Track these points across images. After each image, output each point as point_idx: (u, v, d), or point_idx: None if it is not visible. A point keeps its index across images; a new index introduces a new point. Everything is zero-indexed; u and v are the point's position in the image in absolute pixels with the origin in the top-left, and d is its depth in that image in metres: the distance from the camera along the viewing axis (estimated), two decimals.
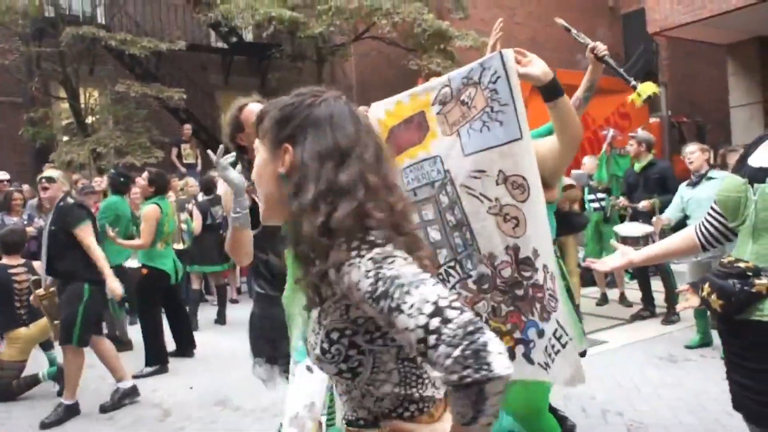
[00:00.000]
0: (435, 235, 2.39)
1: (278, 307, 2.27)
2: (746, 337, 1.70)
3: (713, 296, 1.73)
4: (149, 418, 4.21)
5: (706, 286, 1.79)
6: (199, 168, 11.23)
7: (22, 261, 4.90)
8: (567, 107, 2.07)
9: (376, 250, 1.11)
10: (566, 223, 4.84)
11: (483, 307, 2.33)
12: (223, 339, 6.19)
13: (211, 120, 14.34)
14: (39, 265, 4.84)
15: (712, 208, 1.91)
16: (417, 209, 2.42)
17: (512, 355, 2.26)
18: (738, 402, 1.79)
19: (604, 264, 2.25)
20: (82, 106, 12.13)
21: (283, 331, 2.27)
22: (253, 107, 2.59)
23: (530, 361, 2.24)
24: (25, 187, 8.48)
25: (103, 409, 4.33)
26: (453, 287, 2.37)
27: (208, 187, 7.65)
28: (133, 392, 4.48)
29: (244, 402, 4.17)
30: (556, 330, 2.13)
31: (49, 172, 4.59)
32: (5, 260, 4.84)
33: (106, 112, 12.15)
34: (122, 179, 6.32)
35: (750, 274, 1.66)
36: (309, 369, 2.60)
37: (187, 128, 11.66)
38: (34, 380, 4.76)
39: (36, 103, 11.91)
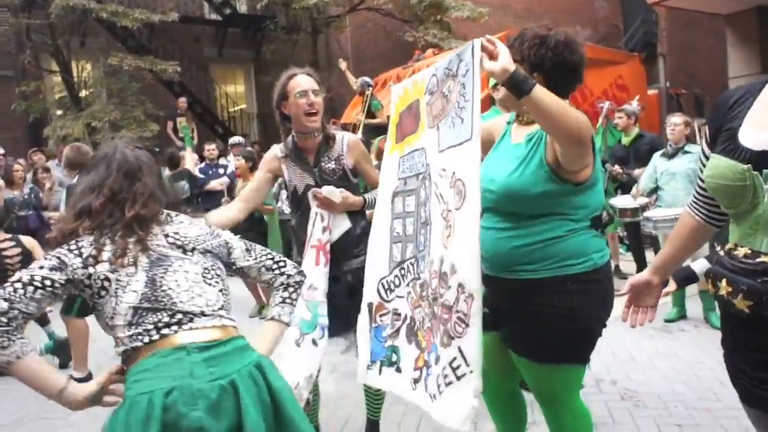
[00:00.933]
0: (410, 228, 2.30)
1: None
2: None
3: (739, 297, 1.53)
4: None
5: (724, 284, 1.57)
6: (195, 141, 11.15)
7: (8, 236, 4.85)
8: (540, 103, 1.78)
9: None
10: None
11: (419, 315, 2.18)
12: None
13: (206, 93, 14.22)
14: (28, 241, 4.83)
15: (701, 188, 1.73)
16: (402, 199, 2.37)
17: (419, 377, 2.10)
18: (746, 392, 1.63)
19: (644, 316, 1.93)
20: (75, 79, 11.97)
21: None
22: (301, 79, 2.71)
23: (425, 387, 2.04)
24: (20, 161, 8.41)
25: None
26: (408, 284, 2.28)
27: (173, 162, 7.66)
28: None
29: None
30: (454, 359, 1.86)
31: None
32: None
33: (99, 86, 12.00)
34: None
35: None
36: (314, 342, 2.62)
37: (183, 101, 11.51)
38: None
39: (28, 76, 11.74)
